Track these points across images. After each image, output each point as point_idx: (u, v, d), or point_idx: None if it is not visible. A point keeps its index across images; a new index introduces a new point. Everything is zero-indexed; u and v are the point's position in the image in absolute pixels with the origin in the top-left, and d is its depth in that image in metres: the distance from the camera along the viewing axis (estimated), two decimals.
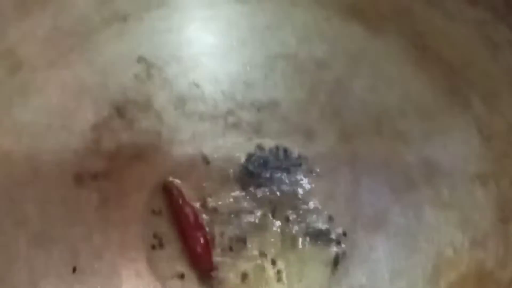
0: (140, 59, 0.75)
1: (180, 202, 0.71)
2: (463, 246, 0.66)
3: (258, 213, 0.72)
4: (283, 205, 0.72)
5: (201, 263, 0.69)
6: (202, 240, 0.69)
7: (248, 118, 0.76)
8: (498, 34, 0.68)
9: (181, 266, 0.69)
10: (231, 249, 0.70)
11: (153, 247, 0.70)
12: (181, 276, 0.69)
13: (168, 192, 0.72)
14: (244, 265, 0.70)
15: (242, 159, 0.74)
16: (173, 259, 0.70)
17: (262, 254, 0.70)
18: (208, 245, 0.70)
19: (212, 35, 0.77)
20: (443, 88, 0.71)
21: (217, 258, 0.69)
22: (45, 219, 0.68)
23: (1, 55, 0.69)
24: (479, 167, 0.68)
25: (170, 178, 0.73)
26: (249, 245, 0.70)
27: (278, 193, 0.73)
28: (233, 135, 0.75)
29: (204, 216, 0.71)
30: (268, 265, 0.69)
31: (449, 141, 0.70)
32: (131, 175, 0.73)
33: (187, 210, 0.71)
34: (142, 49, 0.75)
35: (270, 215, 0.72)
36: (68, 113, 0.72)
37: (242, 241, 0.70)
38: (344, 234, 0.71)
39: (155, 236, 0.71)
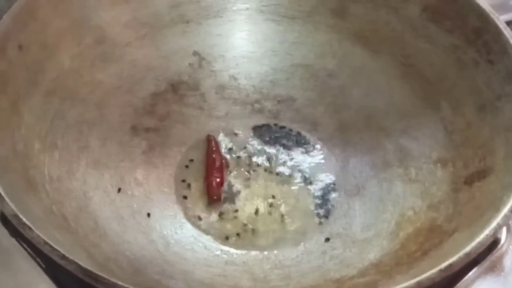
0: (195, 53, 0.80)
1: (214, 149, 0.75)
2: (421, 209, 0.67)
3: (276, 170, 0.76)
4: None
5: (213, 192, 0.72)
6: (218, 180, 0.73)
7: (270, 107, 0.80)
8: (466, 55, 0.69)
9: (200, 206, 0.72)
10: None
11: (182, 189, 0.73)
12: (199, 218, 0.71)
13: (208, 141, 0.76)
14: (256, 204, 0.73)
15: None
16: (195, 200, 0.72)
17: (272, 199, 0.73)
18: (222, 184, 0.73)
19: (252, 43, 0.81)
20: (420, 96, 0.73)
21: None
22: (103, 151, 0.71)
23: (93, 28, 0.73)
24: (441, 154, 0.69)
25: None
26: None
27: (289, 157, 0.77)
28: (257, 117, 0.80)
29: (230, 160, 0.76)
30: (275, 209, 0.72)
31: (420, 134, 0.72)
32: (175, 134, 0.77)
33: (216, 156, 0.75)
34: (197, 46, 0.80)
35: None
36: (135, 81, 0.76)
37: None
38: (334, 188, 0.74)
39: (184, 180, 0.74)
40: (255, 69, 0.81)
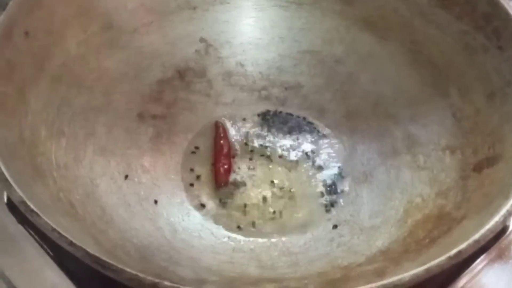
0: (202, 40, 0.80)
1: (222, 135, 0.75)
2: (429, 196, 0.67)
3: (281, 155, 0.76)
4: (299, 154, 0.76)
5: (221, 179, 0.72)
6: (226, 166, 0.73)
7: (277, 93, 0.80)
8: (475, 41, 0.69)
9: (207, 193, 0.72)
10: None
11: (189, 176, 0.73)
12: (206, 205, 0.71)
13: (216, 128, 0.76)
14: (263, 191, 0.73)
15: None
16: (203, 186, 0.72)
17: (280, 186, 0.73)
18: (230, 170, 0.73)
19: (259, 30, 0.81)
20: (428, 83, 0.73)
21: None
22: (109, 138, 0.71)
23: (99, 15, 0.73)
24: (450, 141, 0.69)
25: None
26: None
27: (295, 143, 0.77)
28: (264, 104, 0.80)
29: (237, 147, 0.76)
30: (282, 196, 0.72)
31: (429, 121, 0.72)
32: (182, 121, 0.77)
33: (224, 142, 0.75)
34: (204, 32, 0.80)
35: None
36: (142, 68, 0.76)
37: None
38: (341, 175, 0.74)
39: (191, 167, 0.74)
40: (262, 56, 0.81)
